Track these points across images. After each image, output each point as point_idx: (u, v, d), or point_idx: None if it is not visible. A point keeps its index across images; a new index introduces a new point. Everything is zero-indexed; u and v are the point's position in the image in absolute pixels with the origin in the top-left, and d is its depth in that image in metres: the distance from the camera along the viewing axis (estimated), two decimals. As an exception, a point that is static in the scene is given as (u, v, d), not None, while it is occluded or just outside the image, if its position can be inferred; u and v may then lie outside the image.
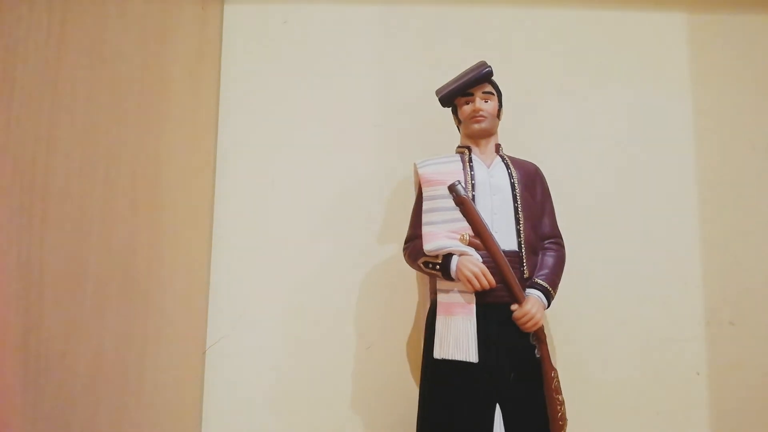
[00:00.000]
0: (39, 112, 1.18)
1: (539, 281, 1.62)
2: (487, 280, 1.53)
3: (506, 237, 1.61)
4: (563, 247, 1.73)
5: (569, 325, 2.03)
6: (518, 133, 2.07)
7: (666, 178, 2.10)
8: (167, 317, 1.74)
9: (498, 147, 1.76)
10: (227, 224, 2.08)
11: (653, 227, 2.08)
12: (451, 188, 1.60)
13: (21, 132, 1.13)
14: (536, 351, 1.60)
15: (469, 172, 1.66)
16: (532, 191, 1.70)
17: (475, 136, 1.73)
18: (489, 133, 1.73)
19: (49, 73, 1.21)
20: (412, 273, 2.00)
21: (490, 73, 1.71)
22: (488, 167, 1.70)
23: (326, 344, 2.03)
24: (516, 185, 1.66)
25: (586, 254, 2.04)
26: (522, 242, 1.62)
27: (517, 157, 1.79)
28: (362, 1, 2.19)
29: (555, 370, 1.61)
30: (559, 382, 1.61)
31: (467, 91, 1.73)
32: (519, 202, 1.65)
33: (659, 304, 2.04)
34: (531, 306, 1.56)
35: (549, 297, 1.62)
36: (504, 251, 1.58)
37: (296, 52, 2.17)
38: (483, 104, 1.71)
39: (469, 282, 1.53)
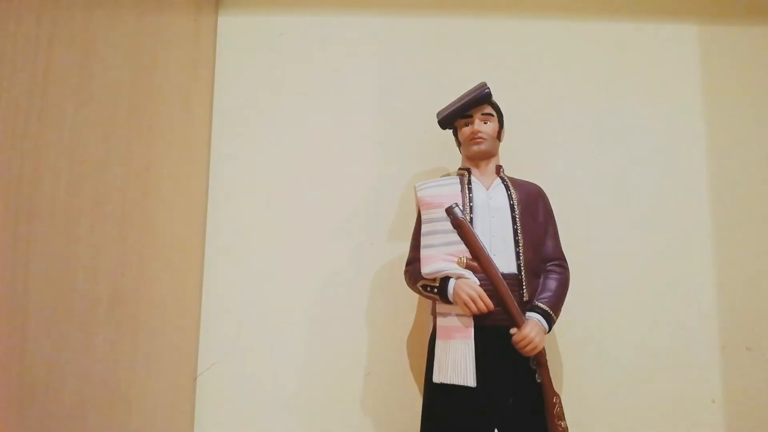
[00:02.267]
0: (26, 127, 1.18)
1: (540, 304, 1.61)
2: (484, 303, 1.54)
3: (505, 259, 1.62)
4: (567, 269, 1.71)
5: (578, 350, 1.98)
6: (527, 147, 2.06)
7: (678, 195, 2.07)
8: (157, 342, 1.72)
9: (499, 168, 1.77)
10: (220, 245, 2.06)
11: (666, 247, 2.04)
12: (449, 211, 1.62)
13: (7, 149, 1.13)
14: (537, 376, 1.58)
15: (467, 194, 1.68)
16: (533, 213, 1.70)
17: (475, 157, 1.76)
18: (489, 155, 1.75)
19: (37, 88, 1.21)
20: (412, 296, 1.97)
21: (489, 95, 1.74)
22: (487, 189, 1.71)
23: (323, 372, 1.99)
24: (515, 207, 1.67)
25: (595, 275, 2.01)
26: (522, 265, 1.62)
27: (520, 178, 1.79)
28: (361, 13, 2.18)
29: (557, 395, 1.60)
30: (562, 408, 1.60)
31: (466, 113, 1.76)
32: (518, 224, 1.65)
33: (672, 328, 1.99)
34: (530, 330, 1.55)
35: (550, 321, 1.60)
36: (503, 274, 1.59)
37: (293, 66, 2.15)
38: (482, 126, 1.74)
39: (466, 305, 1.55)
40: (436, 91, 2.07)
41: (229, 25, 2.18)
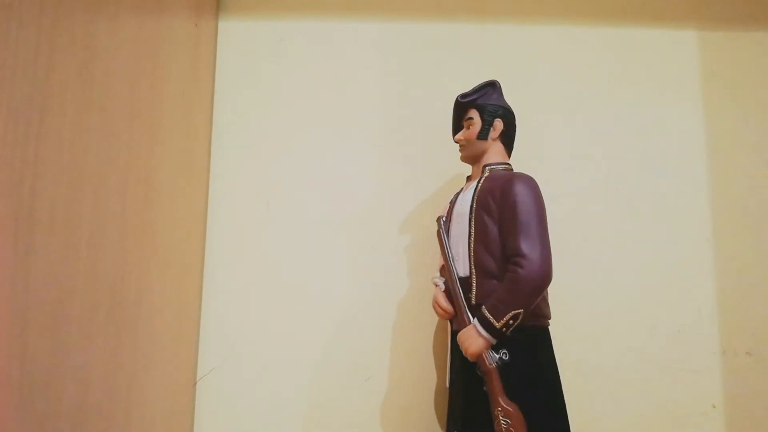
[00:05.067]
0: (26, 132, 1.16)
1: (482, 308, 1.52)
2: (441, 308, 1.66)
3: (462, 263, 1.64)
4: (521, 266, 1.48)
5: (576, 355, 1.97)
6: (526, 151, 2.04)
7: (678, 200, 2.06)
8: (156, 347, 1.70)
9: (484, 168, 1.71)
10: (220, 251, 2.04)
11: (665, 251, 2.03)
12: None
13: (7, 154, 1.11)
14: (483, 384, 1.50)
15: (452, 204, 1.77)
16: (489, 210, 1.59)
17: (466, 163, 1.81)
18: (473, 158, 1.76)
19: (37, 93, 1.19)
20: (412, 302, 1.97)
21: (458, 103, 1.77)
22: (464, 193, 1.73)
23: (322, 376, 1.97)
24: (473, 208, 1.63)
25: (595, 280, 2.00)
26: (472, 267, 1.60)
27: (510, 172, 1.69)
28: (362, 18, 2.18)
29: (504, 407, 1.45)
30: (510, 422, 1.44)
31: (461, 125, 1.81)
32: (472, 226, 1.62)
33: (672, 333, 1.98)
34: (462, 333, 1.54)
35: (487, 324, 1.49)
36: (459, 278, 1.63)
37: (293, 71, 2.15)
38: (464, 133, 1.76)
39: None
40: (437, 96, 2.06)
41: (230, 30, 2.17)
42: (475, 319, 1.52)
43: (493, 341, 1.49)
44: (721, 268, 2.02)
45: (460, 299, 1.59)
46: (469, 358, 1.51)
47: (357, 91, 2.13)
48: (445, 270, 1.67)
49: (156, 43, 1.71)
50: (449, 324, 1.74)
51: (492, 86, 1.77)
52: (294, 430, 1.94)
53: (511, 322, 1.47)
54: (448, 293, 1.67)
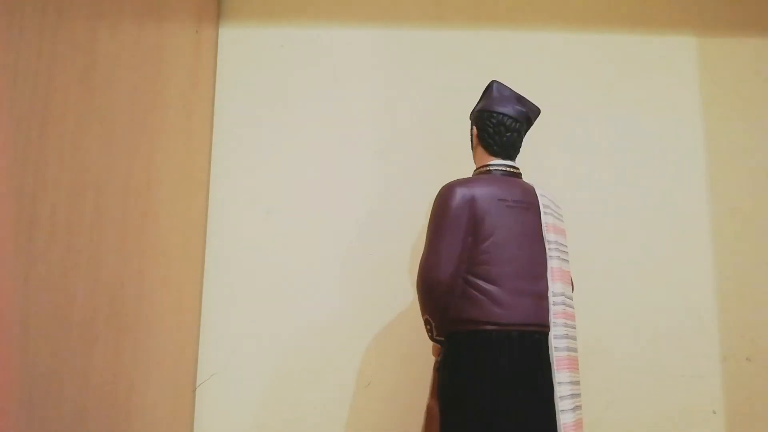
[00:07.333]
0: (27, 138, 1.16)
1: None
2: None
3: None
4: (418, 271, 1.54)
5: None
6: (525, 157, 2.03)
7: (678, 208, 2.06)
8: (156, 353, 1.70)
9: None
10: (219, 257, 2.05)
11: (665, 257, 2.03)
12: None
13: (7, 160, 1.10)
14: None
15: None
16: None
17: None
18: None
19: (38, 99, 1.19)
20: (413, 308, 1.94)
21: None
22: None
23: (322, 382, 1.97)
24: None
25: (595, 286, 1.99)
26: None
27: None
28: (362, 25, 2.19)
29: (427, 406, 1.50)
30: (425, 420, 1.50)
31: None
32: None
33: (673, 339, 1.98)
34: None
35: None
36: None
37: (293, 77, 2.15)
38: None
39: None
40: (437, 101, 2.07)
41: (230, 36, 2.18)
42: None
43: (438, 345, 1.57)
44: (722, 275, 2.02)
45: None
46: None
47: (356, 97, 2.14)
48: None
49: (157, 49, 1.72)
50: None
51: (487, 90, 1.73)
52: (294, 436, 1.95)
53: (428, 327, 1.56)
54: None
